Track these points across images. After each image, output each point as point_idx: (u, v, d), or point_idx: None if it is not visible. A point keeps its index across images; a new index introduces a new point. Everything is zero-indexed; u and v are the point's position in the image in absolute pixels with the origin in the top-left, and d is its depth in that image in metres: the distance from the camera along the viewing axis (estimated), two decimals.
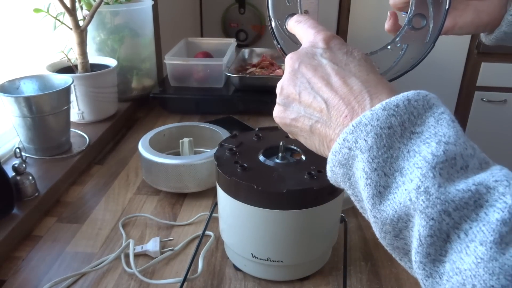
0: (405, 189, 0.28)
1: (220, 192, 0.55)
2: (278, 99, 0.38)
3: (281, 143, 0.54)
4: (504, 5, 0.50)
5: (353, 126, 0.30)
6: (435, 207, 0.26)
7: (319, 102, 0.34)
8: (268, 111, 0.65)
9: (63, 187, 0.77)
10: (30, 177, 0.69)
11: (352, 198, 0.33)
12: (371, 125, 0.30)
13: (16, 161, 0.68)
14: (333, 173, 0.34)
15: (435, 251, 0.27)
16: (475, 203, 0.26)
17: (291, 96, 0.37)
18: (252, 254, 0.55)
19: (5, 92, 0.77)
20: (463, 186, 0.26)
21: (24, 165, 0.68)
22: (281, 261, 0.54)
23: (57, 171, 0.77)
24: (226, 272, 0.59)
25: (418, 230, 0.27)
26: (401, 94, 0.30)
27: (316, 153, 0.38)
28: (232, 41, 1.28)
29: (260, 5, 2.04)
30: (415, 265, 0.28)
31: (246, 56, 1.29)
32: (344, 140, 0.31)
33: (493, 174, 0.27)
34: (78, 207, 0.73)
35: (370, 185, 0.29)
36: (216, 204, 0.60)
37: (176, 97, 1.10)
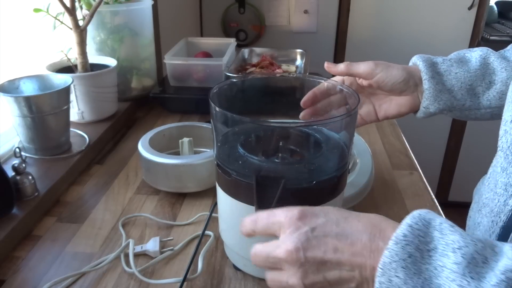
0: None
1: (220, 192, 0.55)
2: None
3: (281, 143, 0.54)
4: (417, 97, 0.61)
5: (381, 269, 0.33)
6: None
7: (346, 273, 0.36)
8: (268, 111, 0.65)
9: (63, 187, 0.77)
10: (30, 177, 0.69)
11: None
12: (394, 261, 0.33)
13: (16, 161, 0.68)
14: None
15: None
16: None
17: (318, 283, 0.37)
18: None
19: (5, 92, 0.76)
20: (494, 279, 0.30)
21: (24, 165, 0.68)
22: None
23: (57, 171, 0.77)
24: (225, 272, 0.59)
25: None
26: (401, 223, 0.34)
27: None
28: (232, 41, 1.28)
29: (260, 5, 2.04)
30: None
31: (246, 56, 1.29)
32: (380, 283, 0.33)
33: (509, 256, 0.31)
34: (78, 207, 0.73)
35: None
36: (216, 204, 0.60)
37: (176, 97, 1.10)
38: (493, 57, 0.60)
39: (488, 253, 0.32)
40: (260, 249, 0.40)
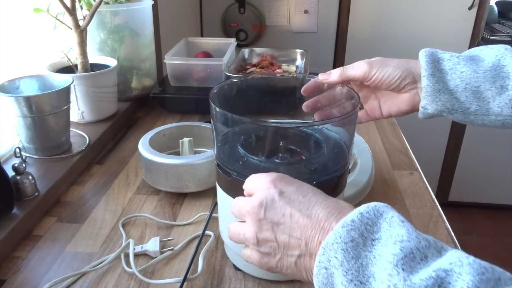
0: None
1: (220, 192, 0.55)
2: (254, 248, 0.41)
3: (281, 143, 0.54)
4: (417, 95, 0.58)
5: (323, 248, 0.35)
6: None
7: (295, 240, 0.38)
8: (268, 111, 0.65)
9: (63, 187, 0.77)
10: (30, 177, 0.69)
11: None
12: (336, 242, 0.34)
13: (16, 161, 0.68)
14: None
15: None
16: (440, 287, 0.29)
17: (269, 241, 0.40)
18: None
19: (5, 92, 0.77)
20: (425, 274, 0.30)
21: (24, 165, 0.68)
22: None
23: (57, 171, 0.77)
24: (226, 272, 0.59)
25: None
26: (354, 210, 0.35)
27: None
28: (232, 41, 1.28)
29: (260, 5, 2.04)
30: None
31: (246, 56, 1.29)
32: (319, 262, 0.35)
33: (448, 258, 0.31)
34: (78, 207, 0.73)
35: None
36: (216, 204, 0.60)
37: (176, 97, 1.10)
38: (510, 59, 0.53)
39: (431, 252, 0.32)
40: (238, 200, 0.44)
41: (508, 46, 0.55)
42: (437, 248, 0.32)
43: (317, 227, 0.37)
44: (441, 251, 0.32)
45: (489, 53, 0.55)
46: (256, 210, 0.40)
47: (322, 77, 0.60)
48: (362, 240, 0.33)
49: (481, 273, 0.29)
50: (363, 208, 0.35)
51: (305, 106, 0.62)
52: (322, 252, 0.34)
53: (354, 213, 0.35)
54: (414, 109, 0.60)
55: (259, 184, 0.42)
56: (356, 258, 0.33)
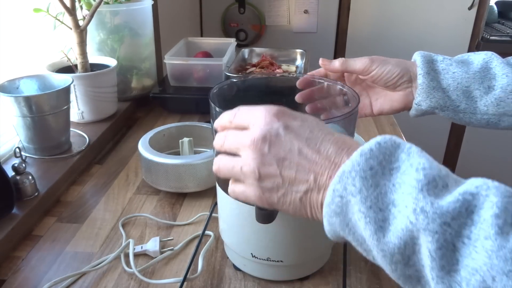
0: (403, 215, 0.30)
1: (220, 192, 0.55)
2: (254, 183, 0.38)
3: None
4: (411, 93, 0.61)
5: (338, 176, 0.34)
6: (435, 222, 0.29)
7: (303, 174, 0.37)
8: None
9: (63, 186, 0.77)
10: (30, 177, 0.69)
11: (354, 243, 0.35)
12: (354, 170, 0.33)
13: (16, 161, 0.68)
14: (330, 224, 0.36)
15: (447, 262, 0.29)
16: (467, 210, 0.29)
17: (273, 177, 0.38)
18: (252, 254, 0.55)
19: (5, 92, 0.77)
20: (451, 198, 0.29)
21: (24, 165, 0.68)
22: (281, 261, 0.54)
23: (57, 171, 0.77)
24: (226, 272, 0.59)
25: (427, 247, 0.29)
26: (370, 140, 0.34)
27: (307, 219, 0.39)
28: (232, 41, 1.28)
29: (260, 5, 2.04)
30: (433, 282, 0.29)
31: (246, 56, 1.29)
32: (334, 191, 0.34)
33: (472, 183, 0.30)
34: (78, 207, 0.73)
35: (370, 223, 0.32)
36: (216, 204, 0.60)
37: (176, 97, 1.10)
38: (496, 62, 0.58)
39: (450, 181, 0.32)
40: (233, 132, 0.40)
41: (494, 53, 0.60)
42: (456, 179, 0.32)
43: (327, 163, 0.36)
44: (458, 182, 0.32)
45: (477, 57, 0.60)
46: (260, 145, 0.37)
47: (323, 62, 0.61)
48: (380, 169, 0.33)
49: (508, 195, 0.29)
50: (380, 138, 0.34)
51: (298, 97, 0.62)
52: (337, 181, 0.34)
53: (372, 143, 0.34)
54: (406, 107, 0.63)
55: (257, 117, 0.39)
56: (375, 186, 0.32)
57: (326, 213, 0.35)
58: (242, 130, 0.40)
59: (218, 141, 0.42)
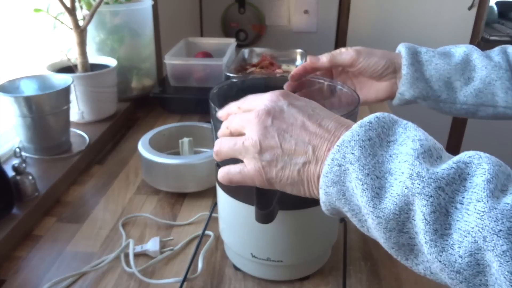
0: (399, 182, 0.32)
1: (220, 192, 0.55)
2: (255, 156, 0.40)
3: None
4: (395, 84, 0.62)
5: (338, 146, 0.35)
6: (430, 186, 0.30)
7: (302, 146, 0.38)
8: None
9: (63, 187, 0.77)
10: (30, 177, 0.69)
11: (349, 214, 0.36)
12: (354, 140, 0.34)
13: (16, 161, 0.68)
14: (327, 195, 0.36)
15: (440, 226, 0.30)
16: (460, 177, 0.30)
17: (273, 148, 0.39)
18: (252, 254, 0.55)
19: (5, 92, 0.77)
20: (446, 166, 0.31)
21: (24, 165, 0.68)
22: (281, 261, 0.54)
23: (57, 171, 0.77)
24: (226, 272, 0.59)
25: (421, 211, 0.30)
26: (369, 115, 0.36)
27: (303, 197, 0.40)
28: (232, 41, 1.28)
29: (260, 5, 2.04)
30: (426, 246, 0.30)
31: (246, 56, 1.29)
32: (332, 160, 0.35)
33: (465, 153, 0.32)
34: (78, 207, 0.73)
35: (367, 189, 0.33)
36: (216, 204, 0.60)
37: (176, 97, 1.10)
38: (476, 55, 0.61)
39: (444, 154, 0.34)
40: (240, 114, 0.42)
41: (473, 46, 0.63)
42: (448, 155, 0.34)
43: (327, 135, 0.37)
44: (451, 157, 0.33)
45: (459, 50, 0.62)
46: (263, 117, 0.39)
47: (311, 60, 0.62)
48: (378, 141, 0.34)
49: (498, 164, 0.31)
50: (378, 114, 0.36)
51: (290, 77, 0.62)
52: (336, 150, 0.35)
53: (371, 117, 0.35)
54: (390, 96, 0.64)
55: (263, 98, 0.41)
56: (373, 155, 0.33)
57: (324, 183, 0.36)
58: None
59: (224, 125, 0.44)
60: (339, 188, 0.35)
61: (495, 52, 0.62)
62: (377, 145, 0.34)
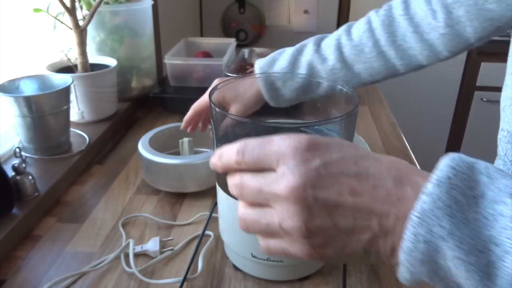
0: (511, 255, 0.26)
1: (220, 192, 0.55)
2: (303, 241, 0.30)
3: None
4: (260, 100, 0.67)
5: (418, 217, 0.27)
6: None
7: (362, 221, 0.30)
8: (268, 111, 0.65)
9: (63, 187, 0.77)
10: (30, 177, 0.69)
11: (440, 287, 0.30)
12: (438, 208, 0.27)
13: (16, 161, 0.68)
14: (413, 274, 0.30)
15: None
16: None
17: (325, 229, 0.30)
18: (252, 254, 0.55)
19: (5, 92, 0.77)
20: None
21: (24, 165, 0.68)
22: (281, 261, 0.54)
23: (57, 171, 0.77)
24: (226, 272, 0.59)
25: None
26: (440, 165, 0.28)
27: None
28: (232, 41, 1.28)
29: (260, 5, 2.04)
30: None
31: (246, 56, 1.29)
32: (415, 235, 0.28)
33: None
34: (78, 207, 0.73)
35: (474, 271, 0.27)
36: (216, 204, 0.60)
37: (176, 97, 1.10)
38: (316, 63, 0.68)
39: None
40: (251, 179, 0.31)
41: (314, 41, 0.73)
42: None
43: (390, 199, 0.29)
44: None
45: (303, 59, 0.70)
46: (300, 194, 0.29)
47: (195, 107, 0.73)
48: (465, 201, 0.27)
49: None
50: (449, 161, 0.28)
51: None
52: (417, 223, 0.27)
53: (445, 169, 0.28)
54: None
55: (282, 155, 0.30)
56: (467, 224, 0.27)
57: (407, 261, 0.29)
58: (262, 172, 0.31)
59: (234, 190, 0.33)
60: (430, 267, 0.28)
61: (332, 49, 0.68)
62: (465, 206, 0.27)
